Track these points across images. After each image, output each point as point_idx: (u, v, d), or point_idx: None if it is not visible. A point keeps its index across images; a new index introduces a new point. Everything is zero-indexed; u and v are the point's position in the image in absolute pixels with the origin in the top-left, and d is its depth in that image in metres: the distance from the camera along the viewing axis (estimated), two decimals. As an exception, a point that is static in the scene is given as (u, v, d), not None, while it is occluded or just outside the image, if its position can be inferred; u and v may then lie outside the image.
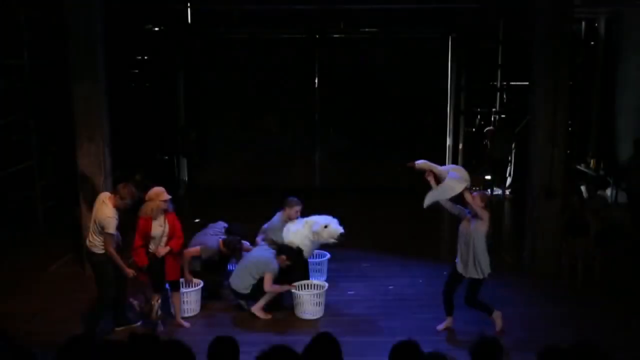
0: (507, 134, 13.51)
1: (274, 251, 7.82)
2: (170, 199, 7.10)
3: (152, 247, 7.05)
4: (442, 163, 13.87)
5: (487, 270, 6.90)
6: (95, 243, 6.88)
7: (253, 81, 14.04)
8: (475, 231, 6.82)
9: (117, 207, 6.84)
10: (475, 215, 6.80)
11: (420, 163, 7.03)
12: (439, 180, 6.94)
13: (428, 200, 6.90)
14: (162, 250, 7.03)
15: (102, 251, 6.87)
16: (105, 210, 6.80)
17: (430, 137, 14.22)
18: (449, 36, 13.79)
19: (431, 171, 6.99)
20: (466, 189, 6.80)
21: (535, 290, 8.37)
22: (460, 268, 6.99)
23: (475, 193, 6.90)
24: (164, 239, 7.05)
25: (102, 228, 6.77)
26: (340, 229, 7.87)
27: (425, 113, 14.11)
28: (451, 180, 6.83)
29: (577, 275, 8.60)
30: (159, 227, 7.00)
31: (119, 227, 6.91)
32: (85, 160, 8.52)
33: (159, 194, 7.00)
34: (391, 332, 6.85)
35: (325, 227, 7.82)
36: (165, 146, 13.99)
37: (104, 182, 8.47)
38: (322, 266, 8.64)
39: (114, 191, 7.04)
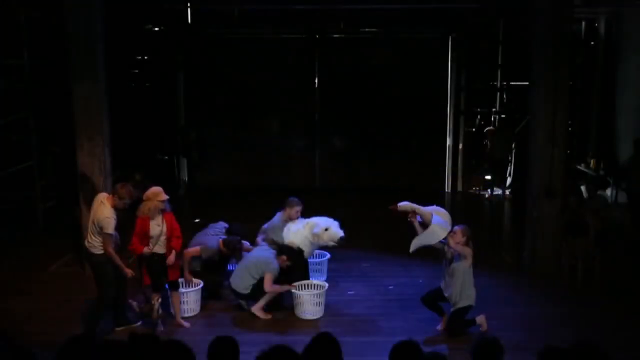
0: (507, 134, 13.51)
1: (274, 251, 7.82)
2: (168, 199, 7.11)
3: (150, 246, 7.05)
4: (442, 163, 14.11)
5: (472, 301, 6.91)
6: (94, 244, 6.88)
7: (253, 81, 14.01)
8: (461, 267, 6.83)
9: (115, 207, 6.84)
10: (458, 254, 6.82)
11: (403, 205, 7.06)
12: (422, 218, 6.98)
13: (414, 247, 6.99)
14: (171, 257, 7.06)
15: (101, 252, 6.86)
16: (104, 210, 6.80)
17: (430, 137, 14.21)
18: (449, 36, 13.77)
19: (414, 212, 7.00)
20: (448, 233, 6.84)
21: (535, 290, 8.37)
22: (447, 296, 7.02)
23: (456, 227, 6.88)
24: (162, 239, 7.05)
25: (101, 228, 6.77)
26: (341, 233, 7.86)
27: (425, 113, 14.07)
28: (435, 225, 6.90)
29: (577, 275, 8.60)
30: (157, 227, 7.01)
31: (117, 227, 6.90)
32: (85, 160, 8.52)
33: (156, 193, 7.01)
34: (391, 332, 6.84)
35: (326, 230, 7.82)
36: (165, 146, 13.99)
37: (104, 182, 8.47)
38: (322, 266, 8.64)
39: (112, 191, 7.04)
